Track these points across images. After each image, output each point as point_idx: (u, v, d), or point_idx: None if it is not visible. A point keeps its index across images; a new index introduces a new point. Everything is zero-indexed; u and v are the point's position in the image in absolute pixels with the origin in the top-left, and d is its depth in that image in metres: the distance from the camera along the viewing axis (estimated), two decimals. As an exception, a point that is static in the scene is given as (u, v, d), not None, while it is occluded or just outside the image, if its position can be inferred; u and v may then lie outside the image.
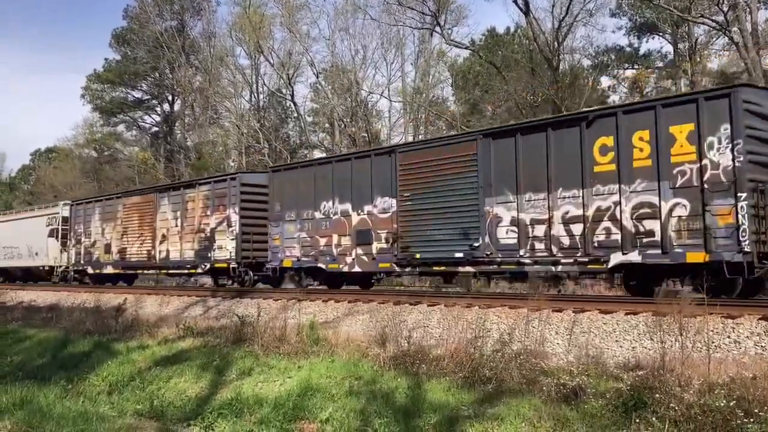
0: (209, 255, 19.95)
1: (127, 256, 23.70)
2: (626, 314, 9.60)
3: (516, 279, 15.18)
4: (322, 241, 16.53)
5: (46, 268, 28.72)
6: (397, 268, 14.95)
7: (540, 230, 12.41)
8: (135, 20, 51.25)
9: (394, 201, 14.91)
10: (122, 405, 7.93)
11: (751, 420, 5.38)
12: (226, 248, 19.30)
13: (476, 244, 13.29)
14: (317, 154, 39.81)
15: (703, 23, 28.44)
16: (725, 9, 26.18)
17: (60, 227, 28.35)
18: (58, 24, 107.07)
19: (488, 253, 13.15)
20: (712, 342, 7.72)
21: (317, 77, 40.50)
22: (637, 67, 38.81)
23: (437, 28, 33.69)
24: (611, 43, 39.79)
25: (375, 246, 15.23)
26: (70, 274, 27.63)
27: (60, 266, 28.00)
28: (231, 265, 19.00)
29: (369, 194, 15.48)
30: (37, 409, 7.15)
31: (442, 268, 14.34)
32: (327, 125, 43.99)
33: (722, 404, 5.63)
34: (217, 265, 19.67)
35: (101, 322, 14.09)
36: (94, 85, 55.37)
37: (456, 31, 39.03)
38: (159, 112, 55.78)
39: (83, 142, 59.64)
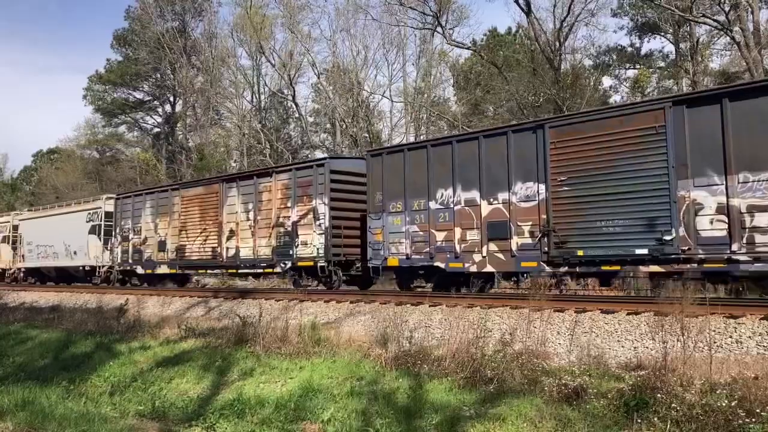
0: (291, 252, 17.33)
1: (187, 254, 20.90)
2: (628, 314, 9.59)
3: (719, 280, 11.77)
4: (440, 236, 14.15)
5: (86, 268, 26.16)
6: (547, 267, 12.52)
7: (764, 219, 10.12)
8: (136, 21, 51.37)
9: (542, 187, 12.51)
10: (124, 406, 7.93)
11: (753, 420, 5.38)
12: (311, 244, 16.82)
13: (668, 238, 10.95)
14: (318, 154, 39.83)
15: (704, 23, 28.41)
16: (727, 9, 26.18)
17: (103, 223, 25.66)
18: (60, 24, 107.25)
19: (685, 248, 10.81)
20: (714, 342, 7.71)
21: (318, 78, 40.58)
22: (638, 66, 38.81)
23: (438, 29, 33.70)
24: (613, 43, 39.94)
25: (515, 241, 12.88)
26: (113, 274, 25.08)
27: (103, 266, 25.35)
28: (319, 264, 16.56)
29: (505, 179, 13.08)
30: (39, 410, 7.15)
31: (616, 267, 11.74)
32: (328, 126, 44.06)
33: (724, 404, 5.63)
34: (300, 264, 17.17)
35: (103, 322, 14.10)
36: (95, 86, 55.52)
37: (457, 32, 39.27)
38: (160, 113, 55.91)
39: (85, 143, 59.81)
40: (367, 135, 37.34)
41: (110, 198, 26.16)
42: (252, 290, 18.58)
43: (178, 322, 13.59)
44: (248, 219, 18.82)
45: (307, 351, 9.79)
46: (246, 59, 49.47)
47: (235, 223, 19.18)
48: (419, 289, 15.41)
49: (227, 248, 19.45)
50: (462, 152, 13.94)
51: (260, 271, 18.96)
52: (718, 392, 5.90)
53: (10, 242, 32.35)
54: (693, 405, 5.73)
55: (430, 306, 12.04)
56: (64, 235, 27.41)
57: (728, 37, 28.62)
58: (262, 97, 45.81)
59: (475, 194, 13.64)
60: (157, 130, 56.39)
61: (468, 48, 36.10)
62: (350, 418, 6.66)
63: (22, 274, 31.61)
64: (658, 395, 6.05)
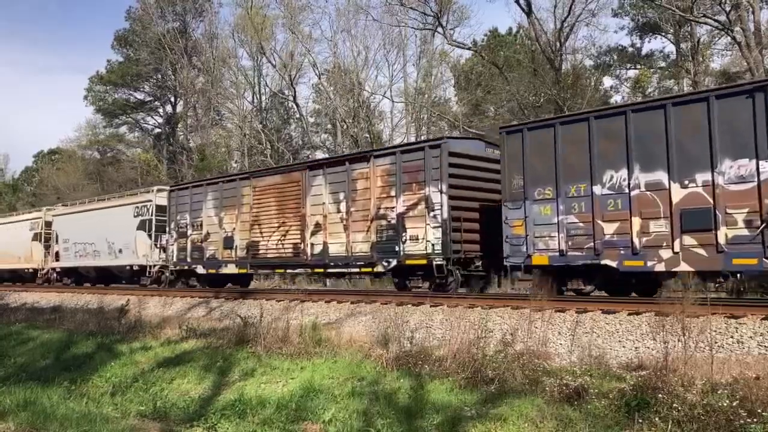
0: (396, 249, 14.86)
1: (261, 252, 18.24)
2: (629, 314, 9.59)
3: None
4: (609, 228, 11.75)
5: (134, 268, 23.64)
6: None
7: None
8: (137, 22, 51.39)
9: (765, 165, 10.13)
10: (125, 406, 7.95)
11: (755, 420, 5.39)
12: (424, 239, 14.35)
13: None
14: (319, 155, 39.87)
15: (705, 23, 28.40)
16: (728, 9, 26.14)
17: (154, 218, 23.09)
18: (60, 24, 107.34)
19: None
20: (715, 342, 7.71)
21: (319, 78, 40.56)
22: (639, 67, 38.80)
23: (439, 29, 33.68)
24: (613, 43, 39.98)
25: (723, 233, 10.47)
26: (165, 275, 22.35)
27: (154, 265, 22.71)
28: (435, 262, 14.13)
29: (706, 156, 10.69)
30: (40, 410, 7.17)
31: None
32: (329, 126, 44.05)
33: (725, 404, 5.64)
34: (408, 262, 14.77)
35: (104, 323, 14.14)
36: (96, 87, 55.56)
37: (458, 32, 38.97)
38: (161, 114, 55.92)
39: (86, 144, 59.85)
40: (368, 135, 37.34)
41: (162, 190, 23.65)
42: (252, 291, 18.55)
43: (180, 322, 13.61)
44: (339, 211, 16.30)
45: (308, 351, 9.81)
46: (247, 60, 49.41)
47: (321, 215, 16.64)
48: (582, 293, 12.87)
49: (312, 244, 16.86)
50: (640, 124, 11.53)
51: (355, 270, 16.40)
52: (719, 392, 5.91)
53: (42, 240, 30.02)
54: (694, 405, 5.73)
55: (431, 306, 12.04)
56: (107, 232, 24.88)
57: (729, 37, 28.60)
58: (263, 97, 45.84)
59: (660, 176, 11.17)
60: (158, 130, 56.44)
61: (469, 48, 36.11)
62: (351, 418, 6.67)
63: (55, 275, 29.18)
64: (660, 395, 6.05)
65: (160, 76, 52.72)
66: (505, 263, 13.08)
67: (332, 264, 16.51)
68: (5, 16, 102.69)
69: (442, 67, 41.12)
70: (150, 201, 23.52)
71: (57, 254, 28.57)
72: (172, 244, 21.61)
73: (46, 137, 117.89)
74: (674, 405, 5.78)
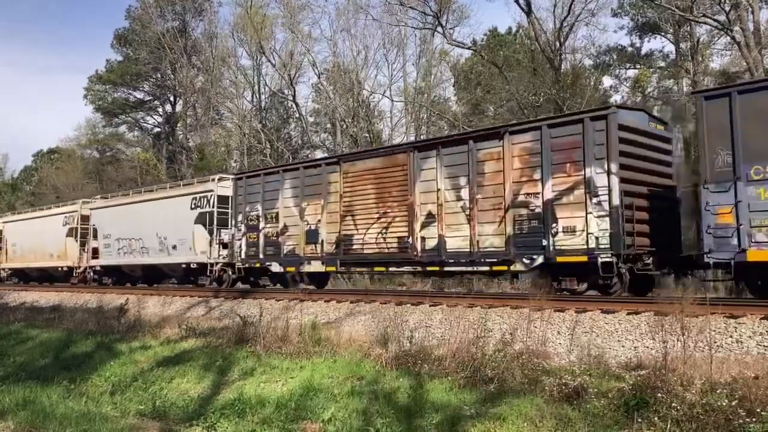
0: (543, 243, 12.49)
1: (355, 247, 15.99)
2: (628, 314, 9.60)
3: None
4: None
5: (193, 265, 21.07)
6: None
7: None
8: (137, 21, 51.37)
9: None
10: (125, 405, 7.95)
11: (754, 419, 5.39)
12: (584, 231, 12.00)
13: None
14: (319, 154, 39.86)
15: (705, 23, 28.40)
16: (727, 8, 26.16)
17: (216, 210, 20.59)
18: (61, 24, 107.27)
19: None
20: (714, 341, 7.72)
21: (319, 78, 40.57)
22: (639, 66, 38.79)
23: (439, 28, 33.68)
24: (613, 42, 39.83)
25: None
26: (228, 273, 20.24)
27: (216, 263, 20.32)
28: (601, 259, 11.69)
29: None
30: (40, 410, 7.16)
31: None
32: (329, 125, 44.04)
33: (724, 404, 5.64)
34: (561, 259, 12.36)
35: (104, 322, 14.13)
36: (96, 86, 55.53)
37: (458, 31, 39.26)
38: (161, 113, 55.93)
39: (85, 143, 59.85)
40: (368, 135, 37.34)
41: (224, 179, 21.36)
42: (252, 290, 18.53)
43: (179, 321, 13.61)
44: (459, 198, 13.92)
45: (307, 351, 9.81)
46: (246, 59, 49.39)
47: (435, 204, 14.32)
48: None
49: (422, 238, 14.57)
50: None
51: (483, 269, 13.72)
52: (718, 392, 5.91)
53: (78, 236, 27.35)
54: (693, 404, 5.73)
55: (430, 306, 12.05)
56: (158, 226, 22.42)
57: (729, 37, 28.61)
58: (263, 96, 45.85)
59: None
60: (157, 129, 56.45)
61: (468, 48, 36.11)
62: (351, 417, 6.67)
63: (92, 274, 26.72)
64: (659, 395, 6.06)
65: (159, 76, 52.74)
66: (706, 259, 10.59)
67: (450, 261, 14.11)
68: (5, 16, 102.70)
69: (442, 67, 41.15)
70: (211, 191, 20.92)
71: (95, 251, 26.18)
72: (240, 239, 19.24)
73: (45, 136, 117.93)
74: (673, 404, 5.79)
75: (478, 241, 13.52)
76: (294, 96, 41.55)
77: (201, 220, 20.86)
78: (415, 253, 14.64)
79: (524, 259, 12.86)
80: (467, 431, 6.04)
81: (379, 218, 15.52)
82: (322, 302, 14.09)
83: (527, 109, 30.82)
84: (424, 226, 14.57)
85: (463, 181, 13.95)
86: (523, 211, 12.91)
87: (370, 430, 6.28)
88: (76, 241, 27.33)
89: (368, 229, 15.75)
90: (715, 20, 27.47)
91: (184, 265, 21.47)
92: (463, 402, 6.90)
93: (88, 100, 56.10)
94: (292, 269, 17.72)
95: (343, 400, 7.27)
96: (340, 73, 38.51)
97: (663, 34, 36.70)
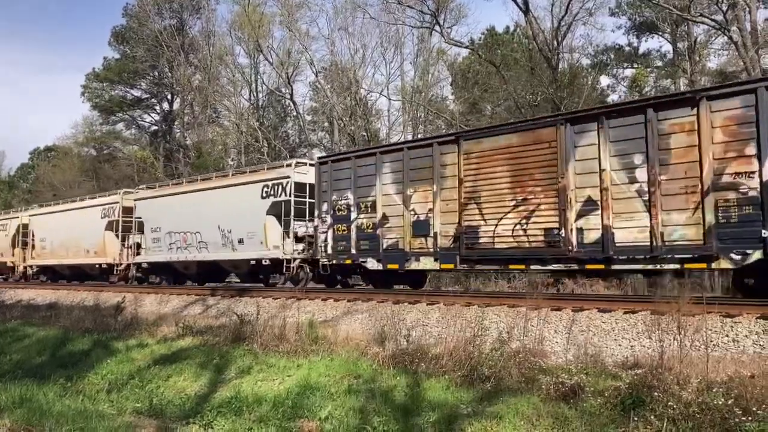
0: (763, 233, 10.10)
1: (483, 240, 13.39)
2: (625, 313, 9.62)
3: None
4: None
5: (265, 262, 18.62)
6: None
7: None
8: (134, 19, 51.32)
9: None
10: (121, 403, 7.94)
11: (750, 418, 5.40)
12: None
13: None
14: (317, 153, 39.85)
15: (702, 22, 28.48)
16: (724, 8, 26.22)
17: (292, 199, 18.08)
18: (58, 22, 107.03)
19: None
20: (711, 341, 7.74)
21: (316, 76, 40.56)
22: (636, 66, 38.88)
23: (436, 27, 33.76)
24: (610, 42, 39.94)
25: None
26: (305, 271, 17.92)
27: (293, 258, 17.82)
28: None
29: None
30: (36, 408, 7.15)
31: None
32: (326, 124, 44.06)
33: (720, 402, 5.65)
34: None
35: (100, 320, 14.11)
36: (93, 84, 55.49)
37: (455, 30, 39.26)
38: (158, 111, 55.90)
39: (82, 141, 59.81)
40: (365, 133, 37.36)
41: (302, 164, 18.93)
42: (249, 288, 18.49)
43: (176, 320, 13.59)
44: (633, 181, 11.46)
45: (304, 349, 9.81)
46: (244, 57, 49.49)
47: (597, 188, 11.89)
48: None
49: (580, 229, 12.11)
50: None
51: (671, 266, 11.09)
52: (714, 391, 5.92)
53: (119, 230, 24.85)
54: (689, 403, 5.74)
55: (427, 304, 12.05)
56: (221, 218, 20.07)
57: (726, 37, 28.70)
58: (260, 95, 45.86)
59: None
60: (154, 127, 56.41)
61: (466, 47, 36.15)
62: (348, 415, 6.67)
63: (134, 272, 24.39)
64: (655, 393, 6.07)
65: (156, 74, 52.70)
66: None
67: (620, 257, 11.58)
68: (5, 16, 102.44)
69: (439, 66, 41.22)
70: (286, 178, 18.35)
71: (138, 246, 23.91)
72: (324, 232, 16.65)
73: (42, 134, 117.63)
74: (670, 403, 5.80)
75: (662, 233, 11.03)
76: (291, 94, 41.60)
77: (274, 210, 18.46)
78: (569, 247, 12.12)
79: (733, 255, 10.43)
80: (464, 430, 6.04)
81: (515, 206, 12.98)
82: (320, 300, 14.08)
83: (524, 108, 30.85)
84: (581, 215, 12.10)
85: (638, 159, 11.43)
86: (730, 195, 10.49)
87: (367, 428, 6.28)
88: (117, 235, 24.81)
89: (500, 219, 13.17)
90: (712, 20, 27.54)
91: (253, 262, 19.10)
92: (460, 400, 6.91)
93: (86, 97, 56.19)
94: (394, 266, 15.04)
95: (340, 399, 7.27)
96: (338, 72, 38.53)
97: (660, 33, 36.82)
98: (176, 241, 21.93)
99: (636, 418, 5.71)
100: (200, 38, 48.17)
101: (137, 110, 56.38)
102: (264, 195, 18.82)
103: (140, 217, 23.78)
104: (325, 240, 16.59)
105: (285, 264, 17.92)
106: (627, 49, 38.88)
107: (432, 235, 14.26)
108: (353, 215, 15.99)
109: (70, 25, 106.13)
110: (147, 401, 7.94)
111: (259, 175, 19.64)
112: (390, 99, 40.14)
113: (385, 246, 15.28)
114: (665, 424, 5.52)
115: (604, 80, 39.64)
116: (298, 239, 17.94)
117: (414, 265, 14.64)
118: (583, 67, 35.73)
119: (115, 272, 24.70)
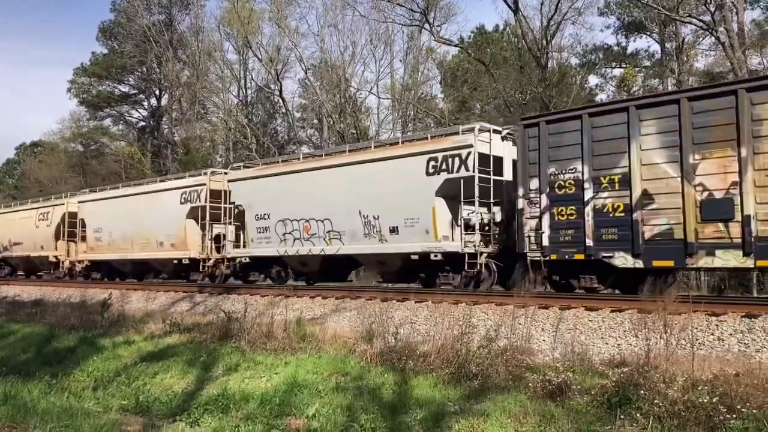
0: None
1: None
2: (612, 311, 9.66)
3: None
4: None
5: (436, 256, 14.24)
6: None
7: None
8: (122, 14, 50.90)
9: None
10: (107, 400, 7.89)
11: (734, 416, 5.45)
12: None
13: None
14: (305, 150, 39.76)
15: (690, 23, 28.70)
16: (712, 9, 26.39)
17: (477, 175, 13.52)
18: (45, 16, 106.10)
19: None
20: (696, 339, 7.79)
21: (306, 73, 40.49)
22: (624, 65, 39.10)
23: (426, 25, 33.76)
24: (599, 41, 40.22)
25: None
26: (490, 269, 13.84)
27: (478, 252, 13.55)
28: None
29: None
30: (21, 405, 7.09)
31: None
32: (315, 121, 43.95)
33: (705, 400, 5.69)
34: None
35: (87, 317, 14.01)
36: (80, 79, 55.00)
37: (445, 29, 39.21)
38: (146, 107, 55.53)
39: (69, 136, 59.26)
40: (354, 131, 37.30)
41: (485, 129, 14.17)
42: (237, 286, 18.40)
43: (163, 317, 13.50)
44: None
45: (292, 347, 9.79)
46: (233, 53, 49.15)
47: None
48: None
49: None
50: None
51: None
52: (699, 389, 5.96)
53: (205, 218, 20.17)
54: (675, 401, 5.78)
55: (415, 302, 12.06)
56: (362, 202, 15.64)
57: (713, 38, 28.90)
58: (249, 91, 45.64)
59: None
60: (142, 123, 56.03)
61: (455, 45, 36.17)
62: (335, 413, 6.66)
63: (225, 268, 20.14)
64: (641, 391, 6.10)
65: (144, 69, 52.34)
66: None
67: None
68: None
69: (429, 64, 41.23)
70: (468, 147, 13.71)
71: (217, 239, 20.34)
72: (534, 216, 12.41)
73: (28, 129, 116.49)
74: (655, 401, 5.83)
75: None
76: (280, 91, 41.46)
77: (445, 190, 14.16)
78: None
79: None
80: (451, 427, 6.05)
81: None
82: (308, 298, 14.06)
83: (513, 107, 30.94)
84: None
85: None
86: None
87: (355, 425, 6.28)
88: (197, 225, 20.57)
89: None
90: (700, 20, 27.75)
91: (414, 256, 14.74)
92: (448, 398, 6.92)
93: (72, 93, 55.62)
94: (665, 263, 10.96)
95: (327, 396, 7.26)
96: (327, 69, 38.45)
97: (649, 33, 37.06)
98: (293, 231, 17.49)
99: (622, 416, 5.74)
100: (189, 34, 47.94)
101: (125, 106, 55.95)
102: (429, 171, 14.36)
103: (238, 203, 19.23)
104: (537, 228, 12.37)
105: (467, 258, 13.69)
106: (615, 48, 39.13)
107: (737, 220, 10.06)
108: (588, 194, 11.75)
109: (58, 20, 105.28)
110: (133, 399, 7.89)
111: (424, 146, 14.93)
112: (379, 97, 40.14)
113: (648, 236, 11.03)
114: (651, 422, 5.55)
115: (593, 80, 39.89)
116: (469, 227, 14.08)
117: (704, 262, 10.48)
118: (572, 66, 35.91)
119: (201, 269, 20.26)
